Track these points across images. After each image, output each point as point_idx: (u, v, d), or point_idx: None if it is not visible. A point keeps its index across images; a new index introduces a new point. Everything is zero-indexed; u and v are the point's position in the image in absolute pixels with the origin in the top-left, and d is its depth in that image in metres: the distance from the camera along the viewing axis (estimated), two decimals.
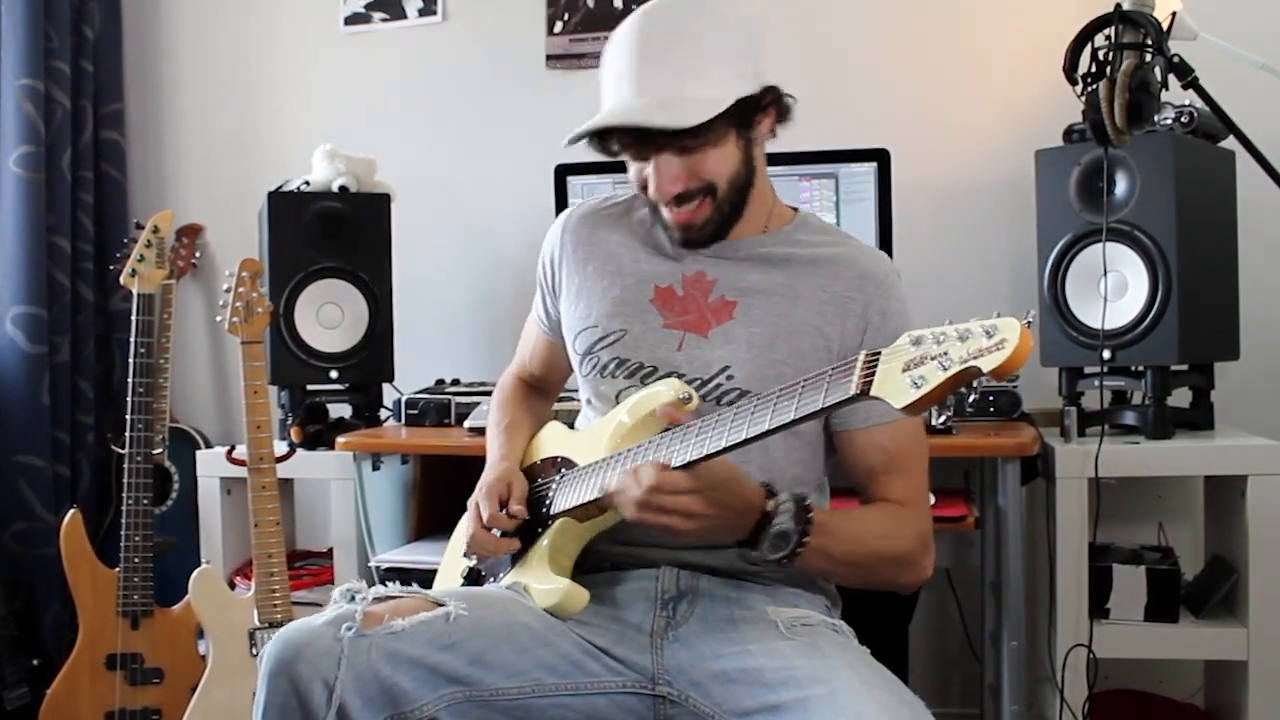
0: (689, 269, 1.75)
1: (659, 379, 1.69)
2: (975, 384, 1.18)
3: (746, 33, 1.66)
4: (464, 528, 1.85)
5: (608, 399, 1.75)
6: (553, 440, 1.87)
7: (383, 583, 2.55)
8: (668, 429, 1.59)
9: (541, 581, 1.66)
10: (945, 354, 1.19)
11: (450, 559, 1.94)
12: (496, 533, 1.73)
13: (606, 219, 1.85)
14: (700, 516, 1.48)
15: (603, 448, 1.67)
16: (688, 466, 1.47)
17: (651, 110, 1.58)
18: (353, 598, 1.56)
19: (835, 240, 1.78)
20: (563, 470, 1.75)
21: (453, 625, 1.55)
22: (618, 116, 1.61)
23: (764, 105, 1.68)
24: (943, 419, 1.21)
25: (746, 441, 1.42)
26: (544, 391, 2.04)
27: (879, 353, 1.28)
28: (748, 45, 1.66)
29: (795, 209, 1.83)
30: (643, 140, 1.63)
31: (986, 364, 1.16)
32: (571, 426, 1.88)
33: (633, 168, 1.70)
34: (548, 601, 1.64)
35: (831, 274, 1.71)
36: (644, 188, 1.69)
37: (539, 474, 1.81)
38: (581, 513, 1.66)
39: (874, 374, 1.27)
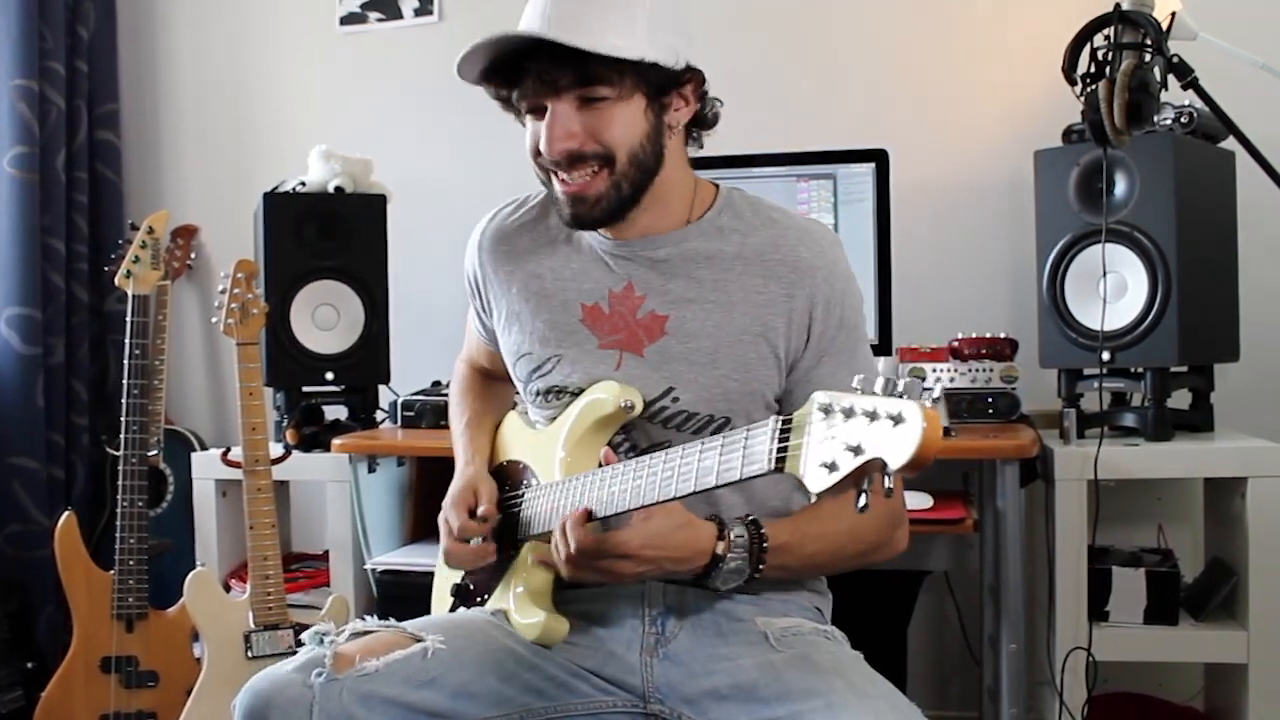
0: (616, 283, 1.66)
1: (593, 387, 1.65)
2: (888, 473, 1.10)
3: (675, 10, 1.58)
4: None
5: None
6: (515, 440, 1.83)
7: (377, 587, 2.56)
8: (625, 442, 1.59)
9: (522, 614, 1.63)
10: (854, 436, 1.12)
11: (440, 574, 1.91)
12: (475, 541, 1.71)
13: (521, 230, 1.75)
14: (636, 574, 1.48)
15: (555, 465, 1.64)
16: (610, 517, 1.47)
17: (558, 29, 1.48)
18: (322, 640, 1.52)
19: (763, 223, 1.66)
20: (526, 484, 1.72)
21: (431, 660, 1.52)
22: (517, 33, 1.50)
23: (681, 82, 1.58)
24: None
25: (674, 499, 1.40)
26: (501, 376, 1.94)
27: (791, 420, 1.23)
28: (675, 22, 1.57)
29: (716, 186, 1.72)
30: (542, 80, 1.52)
31: (893, 459, 1.08)
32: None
33: (528, 130, 1.59)
34: (529, 635, 1.61)
35: (763, 271, 1.62)
36: (537, 153, 1.58)
37: (507, 478, 1.77)
38: (548, 537, 1.62)
39: (787, 445, 1.22)
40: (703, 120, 1.67)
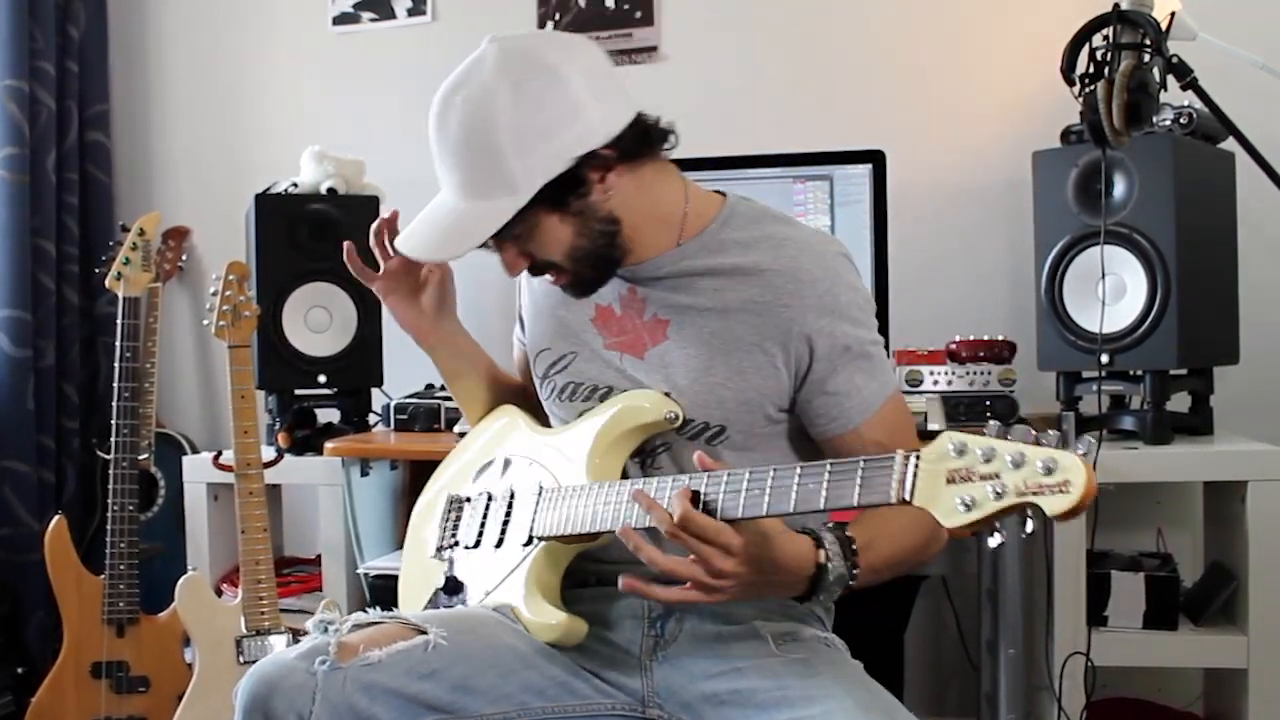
0: (623, 286, 1.68)
1: (631, 393, 1.64)
2: (1029, 514, 1.13)
3: (556, 97, 1.50)
4: None
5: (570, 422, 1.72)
6: (523, 436, 1.81)
7: (370, 592, 2.54)
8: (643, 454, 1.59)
9: (535, 614, 1.61)
10: (998, 478, 1.14)
11: (415, 563, 1.86)
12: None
13: None
14: (729, 582, 1.40)
15: (580, 466, 1.63)
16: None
17: (430, 238, 1.59)
18: (326, 629, 1.52)
19: (766, 234, 1.63)
20: (542, 485, 1.69)
21: (433, 653, 1.52)
22: (409, 248, 1.62)
23: (582, 175, 1.54)
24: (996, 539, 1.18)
25: (767, 516, 1.37)
26: (522, 394, 1.95)
27: (919, 454, 1.22)
28: (555, 115, 1.50)
29: (722, 195, 1.70)
30: None
31: (1050, 507, 1.11)
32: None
33: None
34: (547, 636, 1.59)
35: (761, 281, 1.60)
36: None
37: (517, 476, 1.75)
38: (570, 539, 1.61)
39: (915, 478, 1.21)
40: (649, 141, 1.62)
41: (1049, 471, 1.11)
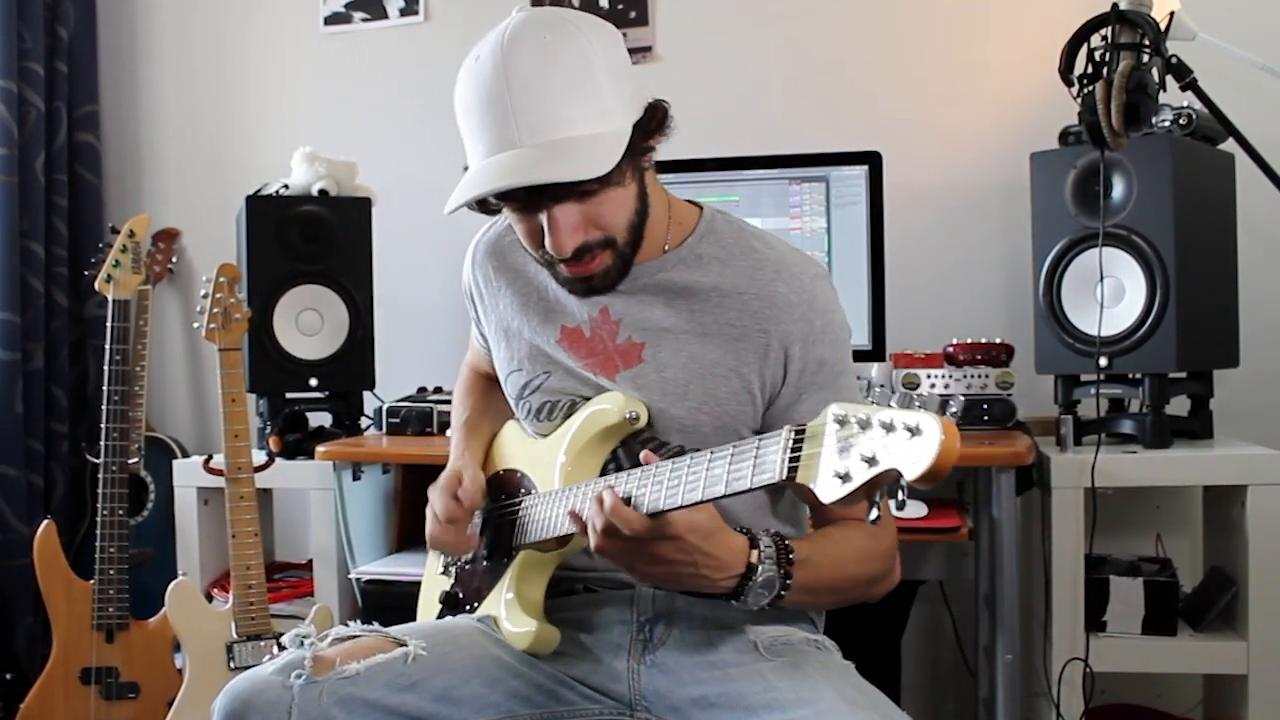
0: (594, 308, 1.65)
1: (599, 397, 1.63)
2: (901, 484, 1.10)
3: (622, 48, 1.51)
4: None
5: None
6: (512, 449, 1.81)
7: (362, 597, 2.52)
8: (612, 463, 1.59)
9: (513, 623, 1.62)
10: (869, 447, 1.11)
11: (429, 581, 1.90)
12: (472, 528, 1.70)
13: (513, 246, 1.73)
14: (669, 566, 1.41)
15: (554, 473, 1.63)
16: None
17: (551, 162, 1.41)
18: (302, 642, 1.51)
19: (743, 252, 1.62)
20: (524, 492, 1.70)
21: (413, 665, 1.51)
22: (514, 175, 1.42)
23: (653, 127, 1.52)
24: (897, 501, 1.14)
25: (680, 508, 1.36)
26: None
27: (804, 430, 1.21)
28: (626, 62, 1.50)
29: (699, 206, 1.68)
30: (536, 194, 1.46)
31: (910, 471, 1.07)
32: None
33: (520, 225, 1.54)
34: (520, 644, 1.60)
35: (739, 305, 1.59)
36: (537, 244, 1.54)
37: (503, 488, 1.75)
38: (544, 545, 1.62)
39: (800, 455, 1.20)
40: (666, 132, 1.59)
41: (913, 434, 1.08)
